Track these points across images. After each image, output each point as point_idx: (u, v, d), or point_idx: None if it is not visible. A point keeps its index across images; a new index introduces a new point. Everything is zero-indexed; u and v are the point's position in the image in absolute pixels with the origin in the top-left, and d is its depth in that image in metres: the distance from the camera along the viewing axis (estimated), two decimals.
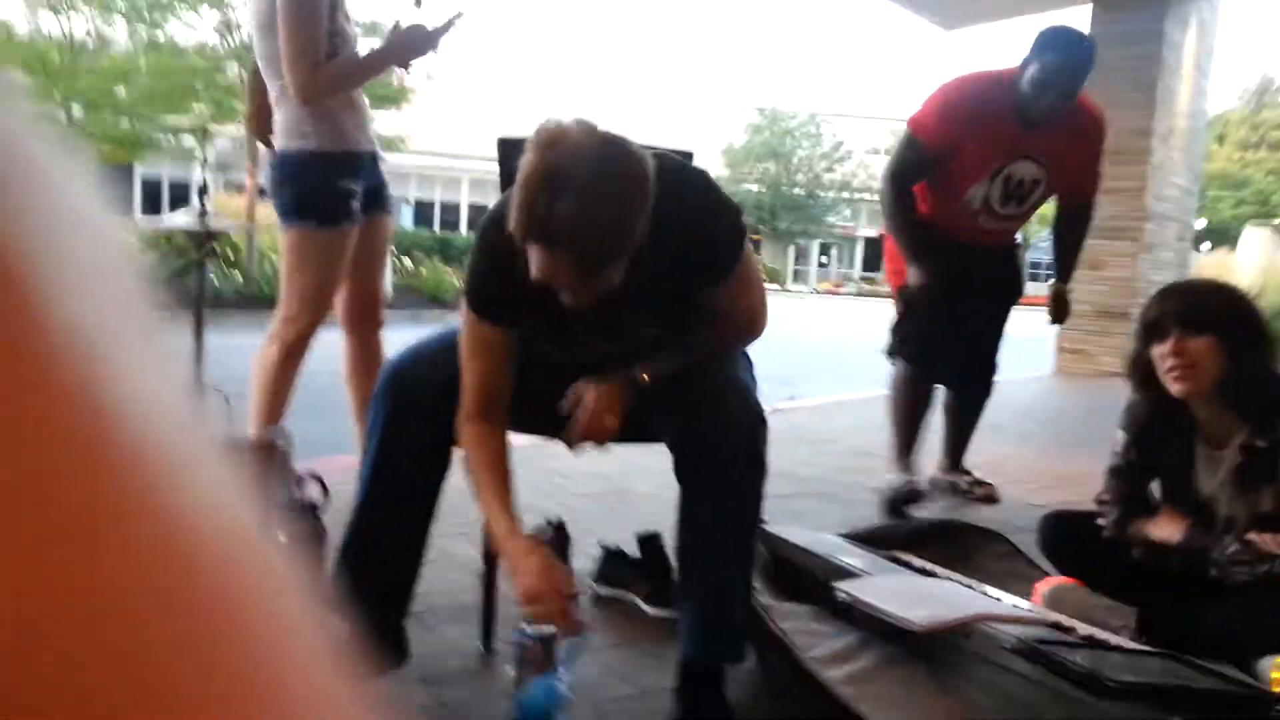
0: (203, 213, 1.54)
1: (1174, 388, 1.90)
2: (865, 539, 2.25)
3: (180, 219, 2.32)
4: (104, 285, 0.16)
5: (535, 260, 1.37)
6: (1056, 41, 2.89)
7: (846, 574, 1.90)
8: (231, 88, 12.63)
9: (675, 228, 1.46)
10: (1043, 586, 2.07)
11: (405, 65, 2.69)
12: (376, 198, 2.75)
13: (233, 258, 11.64)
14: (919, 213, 3.04)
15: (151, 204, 22.25)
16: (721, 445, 1.56)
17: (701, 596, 1.61)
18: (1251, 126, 35.42)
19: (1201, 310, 1.91)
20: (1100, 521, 2.09)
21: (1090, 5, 8.01)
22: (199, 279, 1.64)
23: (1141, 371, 1.99)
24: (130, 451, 0.15)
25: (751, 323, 1.71)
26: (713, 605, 1.61)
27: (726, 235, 1.58)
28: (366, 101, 2.73)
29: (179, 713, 0.14)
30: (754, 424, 1.59)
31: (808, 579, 1.95)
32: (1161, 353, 1.91)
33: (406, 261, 13.60)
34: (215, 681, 0.14)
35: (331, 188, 2.59)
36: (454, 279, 13.03)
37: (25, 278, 0.14)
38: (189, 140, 14.39)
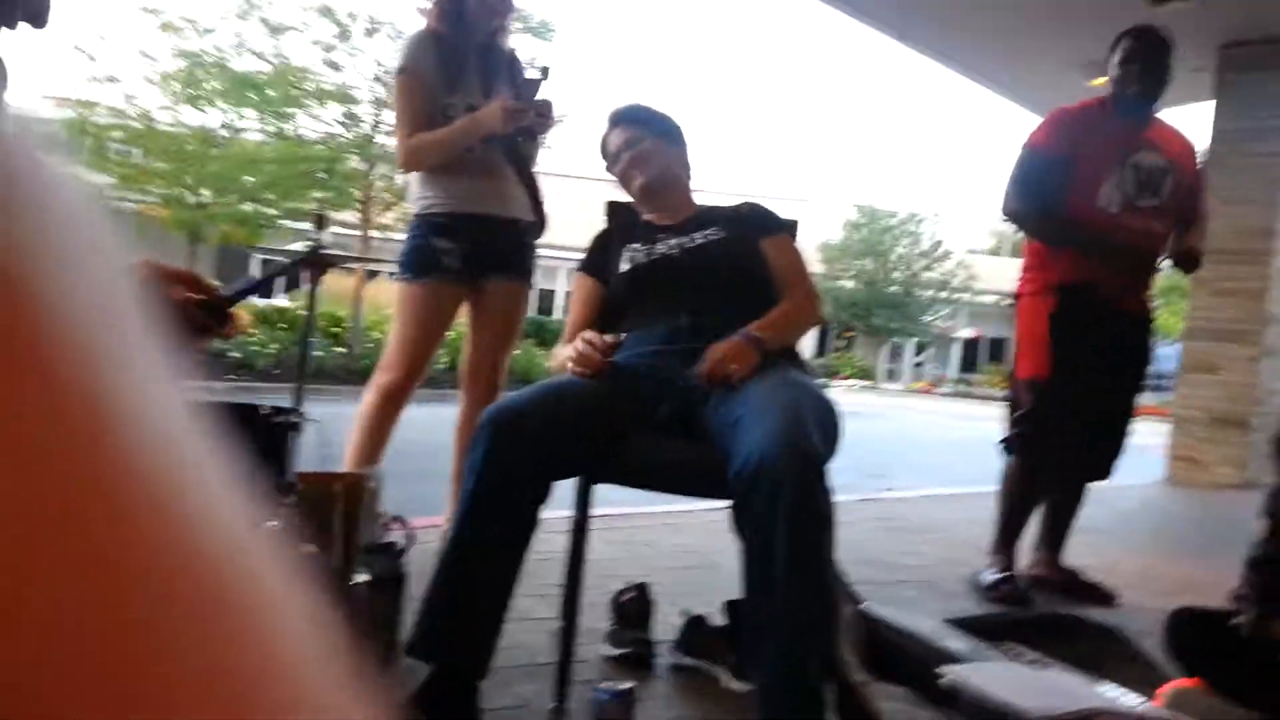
0: (317, 239, 1.59)
1: None
2: (971, 626, 2.12)
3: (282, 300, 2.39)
4: (104, 290, 0.16)
5: (606, 144, 2.23)
6: (1126, 32, 3.11)
7: (951, 658, 1.79)
8: (351, 174, 13.27)
9: (745, 205, 2.22)
10: (1166, 689, 1.91)
11: (524, 137, 2.78)
12: (504, 263, 2.80)
13: (338, 333, 12.06)
14: (1059, 273, 2.98)
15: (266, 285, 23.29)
16: (762, 476, 1.50)
17: (766, 653, 1.52)
18: None
19: None
20: (1236, 620, 1.93)
21: (1213, 101, 7.84)
22: (310, 305, 1.67)
23: None
24: (128, 453, 0.15)
25: (809, 296, 2.06)
26: (778, 663, 1.51)
27: (776, 214, 2.20)
28: (513, 172, 2.81)
29: (174, 714, 0.14)
30: (802, 460, 1.52)
31: (908, 661, 1.85)
32: None
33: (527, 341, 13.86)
34: (210, 684, 0.14)
35: (425, 244, 2.71)
36: (547, 360, 13.17)
37: (26, 282, 0.14)
38: (307, 224, 15.11)
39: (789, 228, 2.18)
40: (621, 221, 2.28)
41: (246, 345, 10.14)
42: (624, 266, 2.07)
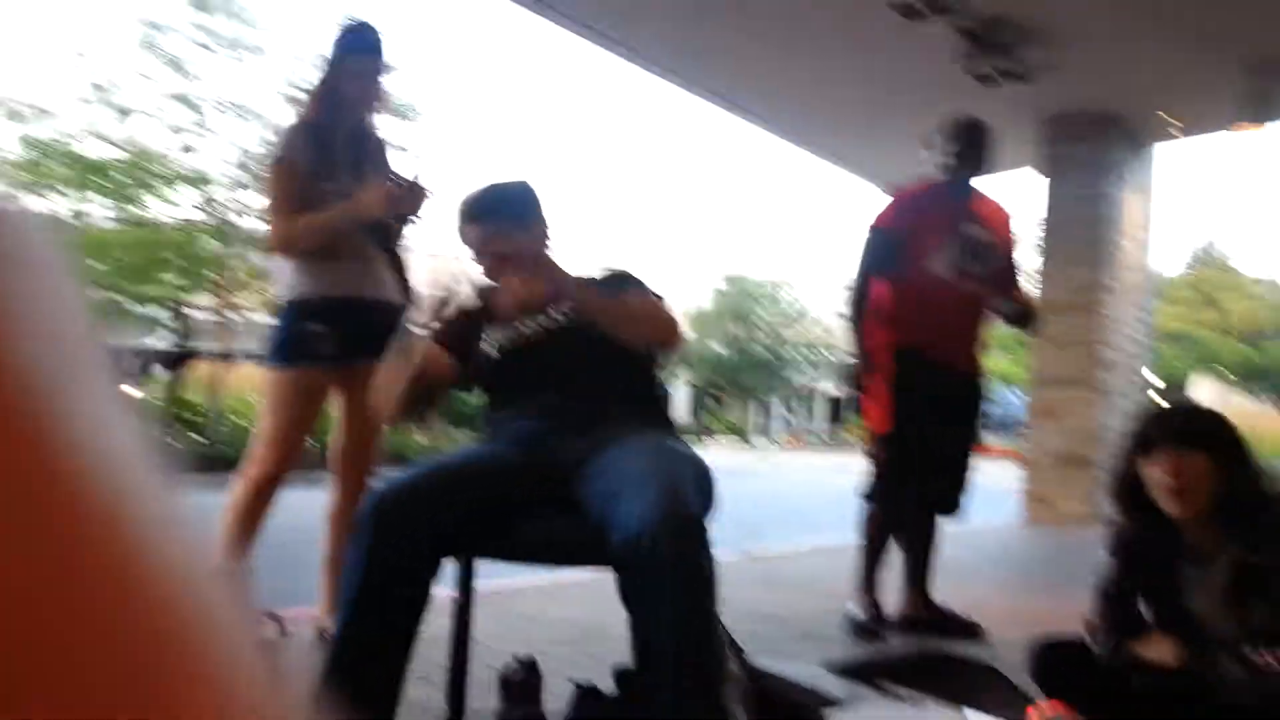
0: (182, 334, 1.55)
1: (1171, 506, 1.90)
2: (848, 670, 2.20)
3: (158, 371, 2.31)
4: (55, 322, 0.16)
5: (470, 236, 2.08)
6: (953, 121, 3.39)
7: (831, 702, 1.85)
8: (206, 258, 12.85)
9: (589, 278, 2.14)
10: (1033, 712, 2.02)
11: (397, 220, 2.79)
12: (376, 346, 2.75)
13: (194, 421, 11.55)
14: (898, 338, 3.26)
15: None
16: (644, 544, 1.53)
17: (659, 715, 1.54)
18: (1194, 287, 36.95)
19: (1195, 428, 1.93)
20: (1090, 645, 2.07)
21: (1044, 167, 8.47)
22: (171, 392, 1.63)
23: (1129, 491, 1.99)
24: (77, 482, 0.15)
25: (663, 312, 2.06)
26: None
27: (622, 274, 2.19)
28: (381, 253, 2.79)
29: None
30: (683, 525, 1.56)
31: (791, 708, 1.90)
32: (1157, 471, 1.91)
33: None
34: (154, 712, 0.14)
35: (296, 330, 2.67)
36: (461, 440, 12.96)
37: None
38: (158, 310, 14.51)
39: (648, 289, 2.19)
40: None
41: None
42: (487, 348, 2.07)
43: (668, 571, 1.53)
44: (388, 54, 2.84)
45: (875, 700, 1.94)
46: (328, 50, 2.77)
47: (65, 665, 0.13)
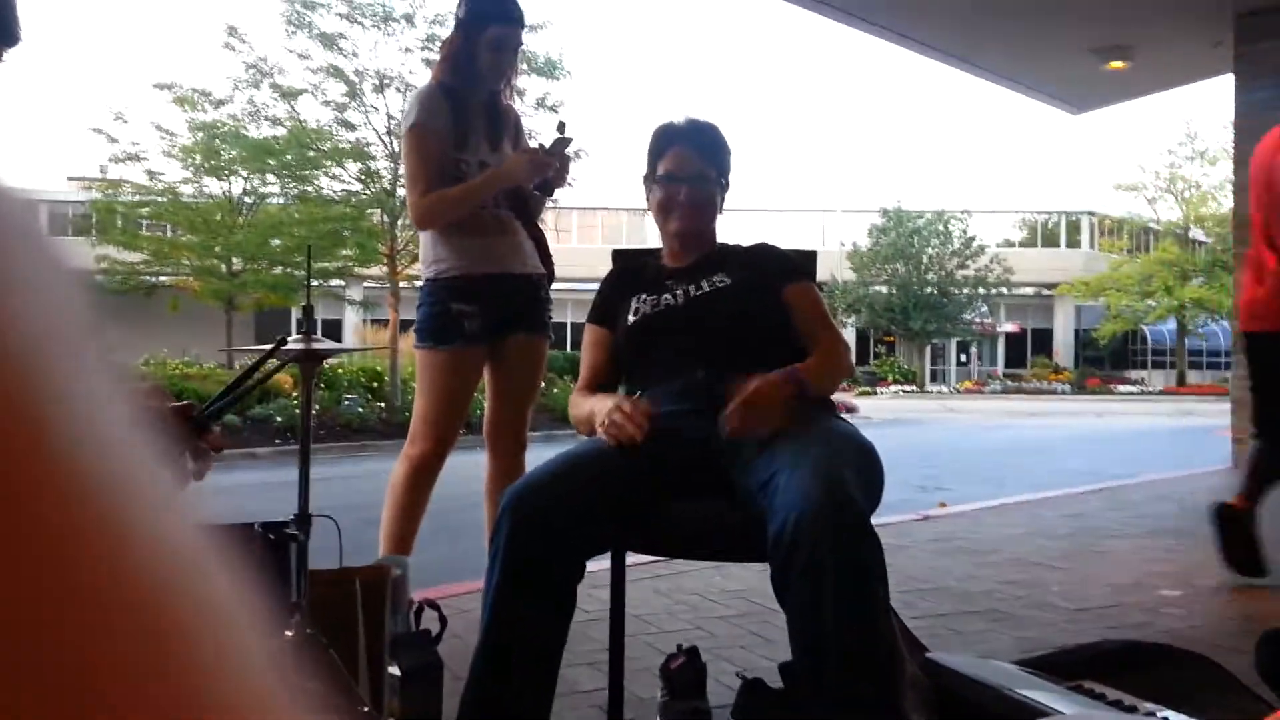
0: (308, 334, 1.52)
1: None
2: (1045, 666, 1.98)
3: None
4: (51, 309, 0.16)
5: (670, 160, 1.99)
6: None
7: (1029, 711, 1.65)
8: (374, 230, 13.37)
9: (757, 246, 2.09)
10: None
11: (540, 192, 2.73)
12: (524, 320, 2.73)
13: (377, 388, 12.11)
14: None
15: None
16: (801, 538, 1.42)
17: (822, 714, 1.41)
18: None
19: None
20: None
21: (1230, 74, 7.63)
22: (305, 403, 1.61)
23: None
24: (75, 470, 0.15)
25: (839, 343, 1.95)
26: None
27: (796, 254, 2.12)
28: (521, 226, 2.74)
29: None
30: (843, 517, 1.43)
31: (983, 716, 1.71)
32: None
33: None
34: (152, 701, 0.14)
35: (444, 310, 2.63)
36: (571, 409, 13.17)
37: None
38: (337, 281, 15.28)
39: (808, 271, 2.09)
40: (628, 267, 2.17)
41: (289, 408, 10.18)
42: (630, 318, 1.97)
43: (826, 568, 1.41)
44: (527, 25, 2.75)
45: (1076, 704, 1.72)
46: (461, 11, 2.68)
47: (60, 660, 0.14)
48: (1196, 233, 29.95)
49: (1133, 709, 1.72)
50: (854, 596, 1.42)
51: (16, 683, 0.13)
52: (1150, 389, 28.98)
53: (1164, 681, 1.97)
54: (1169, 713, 1.70)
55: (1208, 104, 31.67)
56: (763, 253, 2.07)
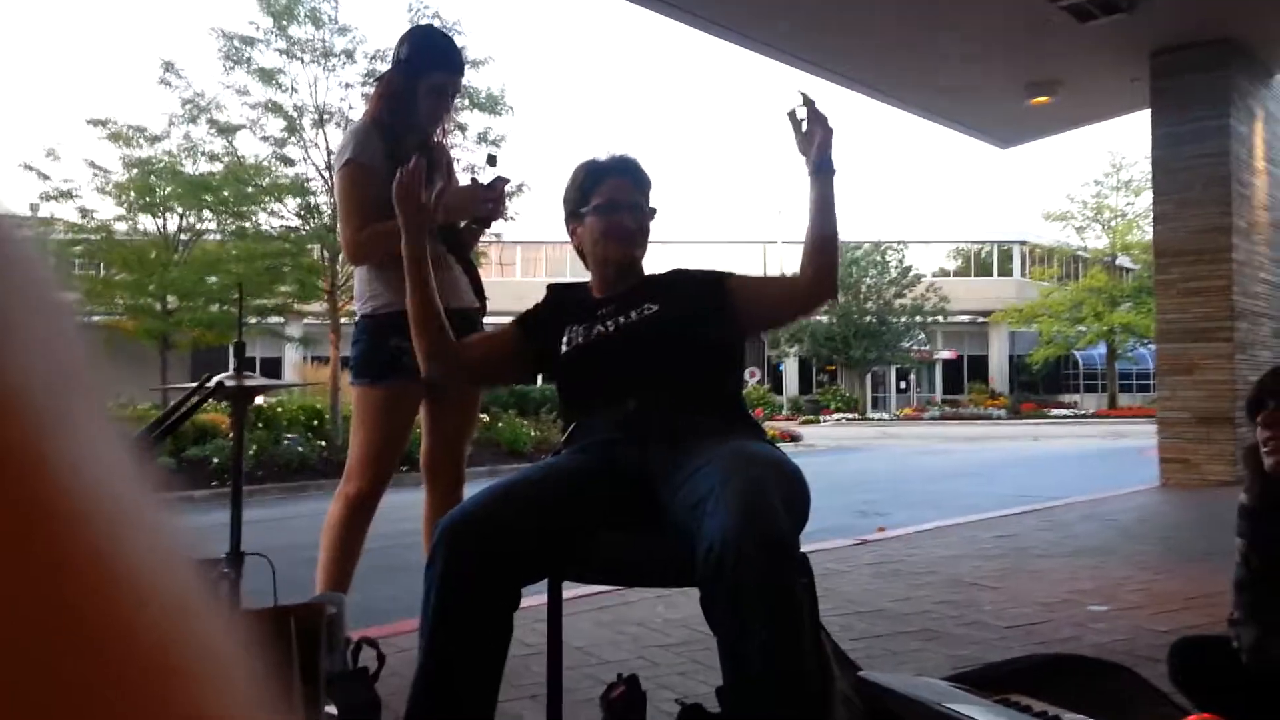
0: (240, 369, 1.52)
1: (1266, 463, 1.78)
2: (974, 681, 2.04)
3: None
4: (48, 345, 0.16)
5: (606, 191, 2.03)
6: None
7: None
8: (314, 266, 13.23)
9: (678, 272, 2.13)
10: None
11: (475, 226, 2.76)
12: None
13: (317, 425, 11.93)
14: None
15: None
16: (726, 564, 1.43)
17: None
18: None
19: None
20: (1234, 645, 1.86)
21: (1149, 110, 7.96)
22: (237, 438, 1.60)
23: (1251, 456, 1.86)
24: (70, 506, 0.15)
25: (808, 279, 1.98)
26: None
27: (712, 272, 2.11)
28: (455, 260, 2.75)
29: None
30: (767, 542, 1.45)
31: None
32: (1260, 430, 1.79)
33: (482, 417, 13.77)
34: None
35: (382, 346, 2.62)
36: (530, 431, 13.10)
37: None
38: (277, 319, 15.07)
39: (722, 273, 2.13)
40: (560, 299, 2.18)
41: (225, 449, 9.98)
42: (564, 347, 1.99)
43: (753, 591, 1.43)
44: (470, 61, 2.78)
45: (1002, 716, 1.78)
46: (402, 51, 2.70)
47: (55, 691, 0.14)
48: (1124, 260, 30.89)
49: (1056, 718, 1.79)
50: (779, 617, 1.44)
51: (11, 710, 0.13)
52: (1083, 412, 29.69)
53: (1086, 692, 2.05)
54: (1079, 718, 1.77)
55: (1130, 136, 32.76)
56: (682, 275, 2.11)
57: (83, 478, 0.15)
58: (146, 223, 14.15)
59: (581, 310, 2.05)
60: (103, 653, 0.14)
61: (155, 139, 13.31)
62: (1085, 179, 46.60)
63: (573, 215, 2.09)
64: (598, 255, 2.07)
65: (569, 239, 2.15)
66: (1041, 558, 4.32)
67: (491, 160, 2.73)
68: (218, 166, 13.27)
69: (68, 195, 13.46)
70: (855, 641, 2.80)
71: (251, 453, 10.69)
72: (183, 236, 14.40)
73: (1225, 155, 7.60)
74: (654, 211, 2.11)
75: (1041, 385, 33.61)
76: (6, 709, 0.13)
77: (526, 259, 32.09)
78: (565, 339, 1.99)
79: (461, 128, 12.12)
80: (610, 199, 2.03)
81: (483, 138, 12.57)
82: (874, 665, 2.39)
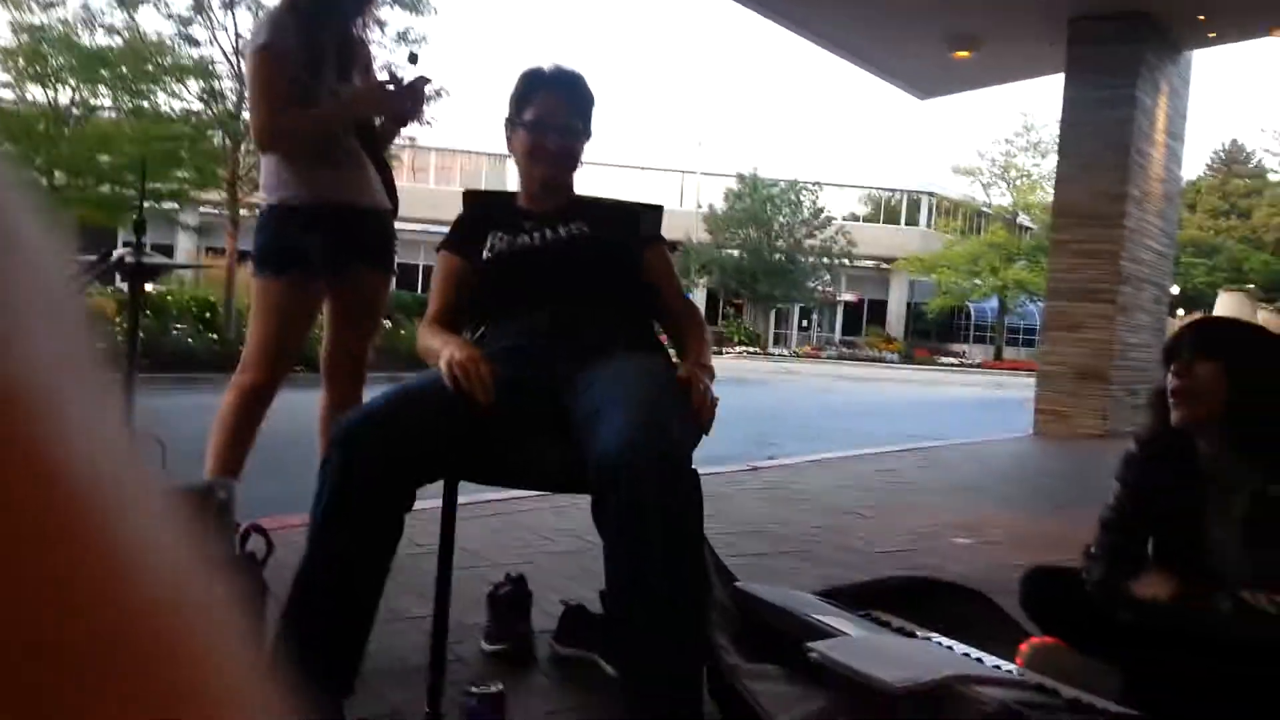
0: (138, 244, 1.48)
1: (1173, 414, 1.84)
2: (841, 596, 2.17)
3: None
4: (51, 329, 0.16)
5: (539, 106, 1.99)
6: None
7: (821, 633, 1.82)
8: (215, 153, 12.69)
9: (612, 202, 2.16)
10: (1025, 648, 1.99)
11: (391, 125, 2.70)
12: (367, 253, 2.70)
13: (210, 318, 11.59)
14: None
15: None
16: (620, 471, 1.49)
17: (636, 648, 1.52)
18: (1222, 194, 36.15)
19: (1214, 336, 1.86)
20: (1084, 577, 2.02)
21: (1062, 73, 8.18)
22: (132, 319, 1.57)
23: (1157, 402, 1.92)
24: (69, 488, 0.15)
25: (700, 319, 2.08)
26: (645, 658, 1.51)
27: (648, 211, 2.15)
28: (368, 158, 2.69)
29: None
30: (660, 452, 1.51)
31: (780, 638, 1.87)
32: (1170, 379, 1.85)
33: (386, 323, 13.53)
34: (148, 703, 0.15)
35: (287, 240, 2.57)
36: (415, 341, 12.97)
37: None
38: (171, 204, 14.44)
39: (659, 236, 2.14)
40: (483, 206, 2.20)
41: (110, 335, 9.62)
42: (486, 254, 2.00)
43: (642, 500, 1.48)
44: None
45: (863, 628, 1.91)
46: None
47: (58, 674, 0.14)
48: (1024, 219, 31.92)
49: (911, 634, 1.93)
50: (666, 526, 1.50)
51: (18, 689, 0.13)
52: (970, 361, 30.88)
53: (942, 613, 2.19)
54: (941, 638, 1.91)
55: (1043, 99, 33.50)
56: (621, 208, 2.13)
57: (84, 464, 0.15)
58: (36, 93, 13.31)
59: (505, 219, 2.04)
60: (106, 639, 0.14)
61: (50, 4, 12.45)
62: (997, 137, 47.75)
63: (509, 122, 2.07)
64: (524, 169, 2.08)
65: (497, 149, 2.15)
66: (916, 493, 4.55)
67: (413, 58, 2.67)
68: (117, 41, 12.50)
69: None
70: (736, 558, 2.92)
71: (139, 339, 10.35)
72: (74, 111, 13.60)
73: (1129, 124, 7.89)
74: (588, 134, 2.09)
75: (935, 333, 34.76)
76: (11, 693, 0.13)
77: (441, 166, 31.33)
78: (489, 244, 1.99)
79: (381, 24, 11.72)
80: (539, 116, 2.01)
81: (403, 37, 12.16)
82: (751, 580, 2.51)
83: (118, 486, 0.16)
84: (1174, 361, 1.86)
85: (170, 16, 12.38)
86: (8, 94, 13.20)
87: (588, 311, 1.88)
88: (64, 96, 13.43)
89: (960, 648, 1.85)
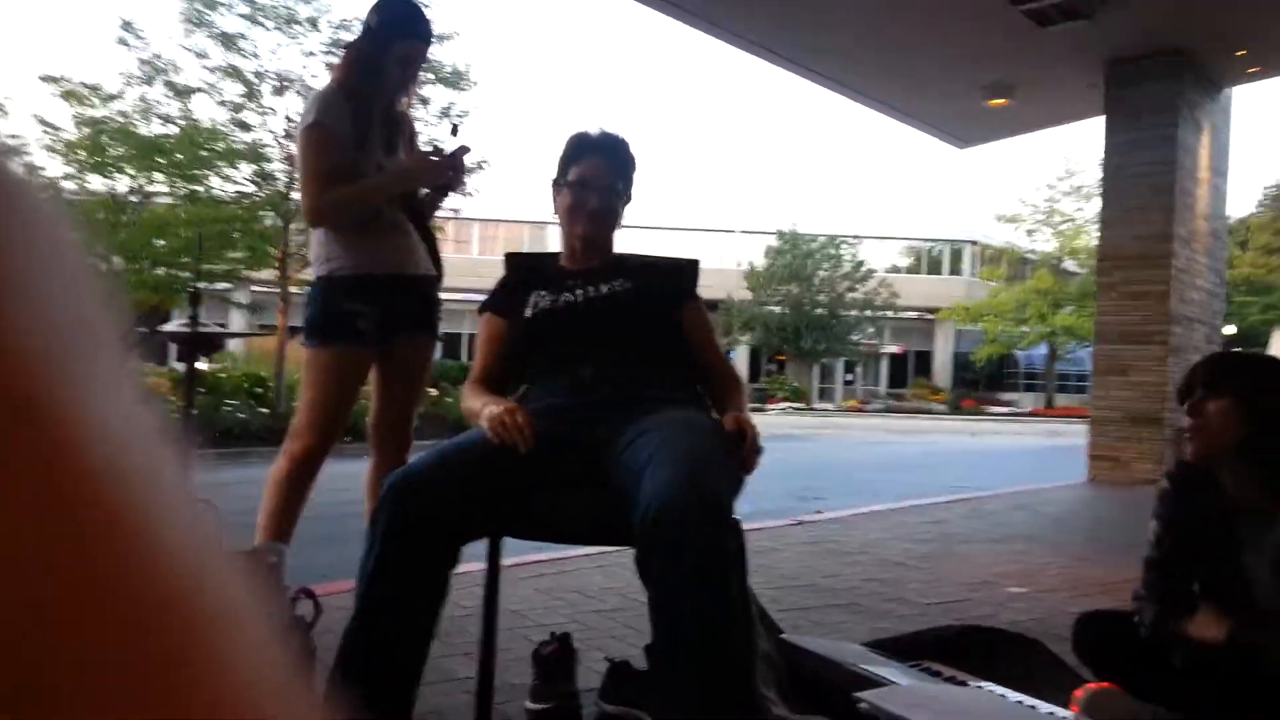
0: (194, 317, 1.54)
1: (1187, 450, 1.87)
2: (890, 648, 2.14)
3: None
4: (70, 305, 0.16)
5: (583, 168, 2.06)
6: None
7: (870, 683, 1.80)
8: (266, 233, 13.07)
9: (651, 258, 2.23)
10: (1080, 694, 1.95)
11: (435, 195, 2.79)
12: (414, 319, 2.78)
13: (261, 393, 11.82)
14: None
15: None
16: (664, 522, 1.51)
17: (682, 702, 1.51)
18: (1275, 231, 35.49)
19: (1223, 372, 1.86)
20: (1138, 620, 1.98)
21: (1103, 116, 8.17)
22: (188, 380, 1.63)
23: (1179, 440, 1.95)
24: (93, 468, 0.15)
25: (735, 374, 2.13)
26: (690, 708, 1.50)
27: (687, 267, 2.21)
28: (414, 229, 2.77)
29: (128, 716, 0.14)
30: (703, 504, 1.53)
31: (828, 689, 1.85)
32: (1184, 418, 1.87)
33: (432, 390, 13.69)
34: (169, 701, 0.14)
35: (337, 309, 2.65)
36: (460, 401, 13.11)
37: None
38: (225, 285, 14.85)
39: (694, 282, 2.20)
40: (525, 267, 2.25)
41: (166, 413, 9.84)
42: (529, 311, 2.05)
43: (686, 551, 1.49)
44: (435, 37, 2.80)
45: (913, 678, 1.88)
46: (373, 19, 2.71)
47: (81, 656, 0.14)
48: (1069, 263, 31.57)
49: (963, 684, 1.90)
50: (711, 576, 1.50)
51: (44, 679, 0.13)
52: (1021, 410, 30.35)
53: (995, 662, 2.16)
54: (993, 686, 1.88)
55: (1084, 142, 33.37)
56: (660, 264, 2.20)
57: (104, 433, 0.15)
58: (95, 183, 13.86)
59: (547, 278, 2.10)
60: (124, 604, 0.14)
61: (110, 98, 13.02)
62: (1038, 183, 47.46)
63: (555, 183, 2.15)
64: (566, 228, 2.14)
65: (538, 217, 2.22)
66: (967, 543, 4.47)
67: (454, 130, 2.78)
68: (172, 129, 13.01)
69: (15, 151, 13.09)
70: (783, 612, 2.90)
71: (193, 415, 10.57)
72: (132, 198, 14.12)
73: (1172, 164, 7.84)
74: (629, 196, 2.16)
75: (983, 383, 34.27)
76: (31, 657, 0.13)
77: (484, 236, 31.88)
78: (531, 303, 2.05)
79: (424, 101, 12.08)
80: (582, 177, 2.08)
81: (445, 112, 12.50)
82: (799, 632, 2.49)
83: (137, 457, 0.16)
84: (1186, 400, 1.89)
85: (223, 103, 12.86)
86: (70, 184, 13.75)
87: (630, 366, 1.92)
88: (122, 185, 13.96)
89: (1014, 695, 1.81)
